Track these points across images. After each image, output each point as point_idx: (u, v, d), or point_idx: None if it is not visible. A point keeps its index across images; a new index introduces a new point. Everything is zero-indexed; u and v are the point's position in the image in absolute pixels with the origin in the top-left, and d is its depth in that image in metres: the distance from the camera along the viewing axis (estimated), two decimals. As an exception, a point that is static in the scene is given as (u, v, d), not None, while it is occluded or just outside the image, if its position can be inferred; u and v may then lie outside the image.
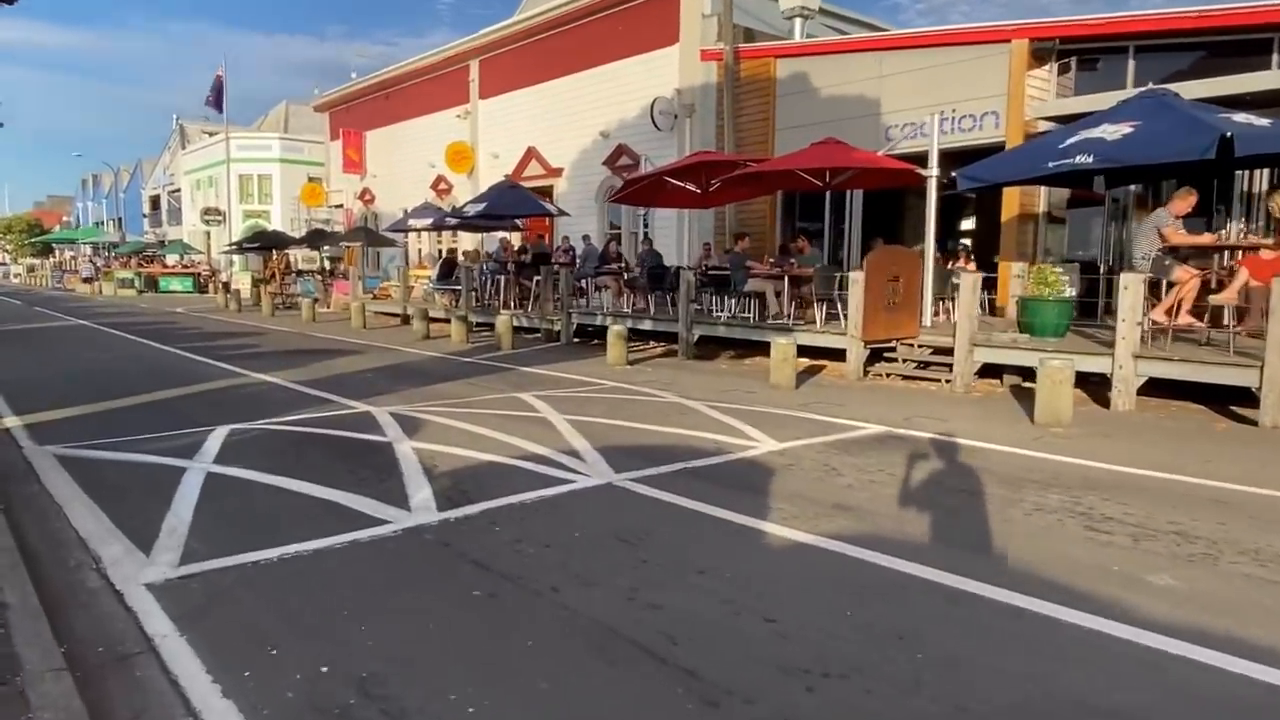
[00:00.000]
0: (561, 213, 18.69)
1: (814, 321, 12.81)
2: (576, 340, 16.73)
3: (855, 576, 4.18)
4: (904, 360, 11.63)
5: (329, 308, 27.69)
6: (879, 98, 16.16)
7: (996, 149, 13.97)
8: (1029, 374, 10.54)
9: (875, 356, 11.77)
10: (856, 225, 17.08)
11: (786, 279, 13.03)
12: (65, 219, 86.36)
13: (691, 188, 15.78)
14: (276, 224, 43.95)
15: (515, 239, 22.68)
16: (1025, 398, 9.91)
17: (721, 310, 14.46)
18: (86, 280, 49.70)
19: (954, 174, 10.85)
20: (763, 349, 13.57)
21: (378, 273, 31.62)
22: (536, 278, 18.71)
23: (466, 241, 27.47)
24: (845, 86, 16.76)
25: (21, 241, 78.43)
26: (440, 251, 29.87)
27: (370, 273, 32.25)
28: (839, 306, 12.58)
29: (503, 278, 19.11)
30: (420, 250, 30.69)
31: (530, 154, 24.75)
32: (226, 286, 37.02)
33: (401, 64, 30.45)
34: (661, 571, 4.22)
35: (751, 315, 13.56)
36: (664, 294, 15.54)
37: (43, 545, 4.70)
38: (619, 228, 22.08)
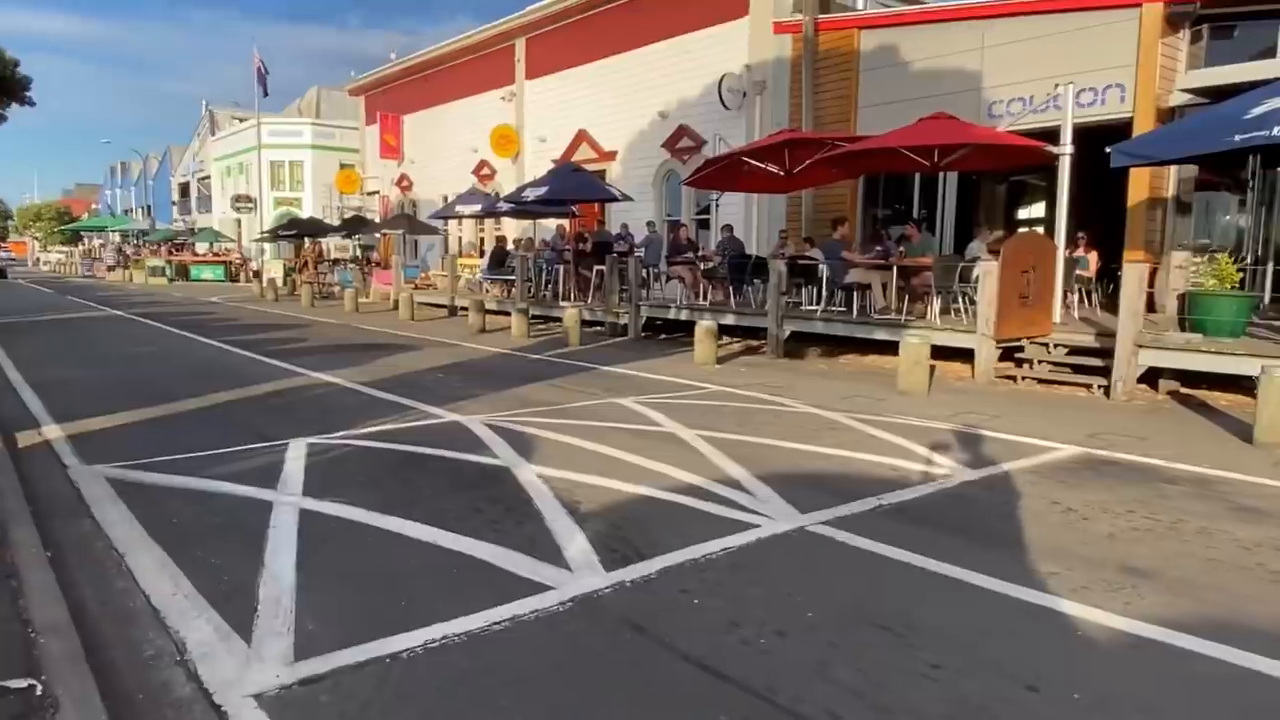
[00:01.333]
0: (626, 197, 17.44)
1: (924, 316, 11.54)
2: (645, 335, 15.54)
3: (1268, 697, 2.94)
4: (1039, 361, 10.32)
5: (368, 298, 26.69)
6: (980, 71, 14.75)
7: (1121, 126, 12.62)
8: (1190, 379, 9.29)
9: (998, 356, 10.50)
10: (950, 211, 15.71)
11: (895, 269, 11.74)
12: (94, 207, 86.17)
13: (773, 169, 14.50)
14: (308, 211, 43.06)
15: (567, 226, 21.48)
16: (1199, 408, 8.64)
17: (813, 303, 13.20)
18: (110, 268, 49.27)
19: (1109, 150, 9.50)
20: (858, 346, 12.37)
21: (415, 262, 30.60)
22: (598, 267, 17.54)
23: (512, 229, 26.33)
24: (939, 60, 15.36)
25: (51, 229, 78.31)
26: (482, 239, 28.78)
27: (408, 262, 31.24)
28: (960, 300, 11.30)
29: (561, 267, 17.93)
30: (460, 238, 29.57)
31: (581, 137, 23.50)
32: (260, 275, 36.30)
33: (442, 44, 29.20)
34: (973, 685, 3.00)
35: (851, 309, 12.29)
36: (744, 286, 14.30)
37: (105, 620, 3.57)
38: (675, 215, 20.80)
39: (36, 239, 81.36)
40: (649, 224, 18.94)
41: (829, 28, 16.88)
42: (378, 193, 35.20)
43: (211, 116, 55.33)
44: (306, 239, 33.33)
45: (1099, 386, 9.42)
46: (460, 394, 9.04)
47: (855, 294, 12.17)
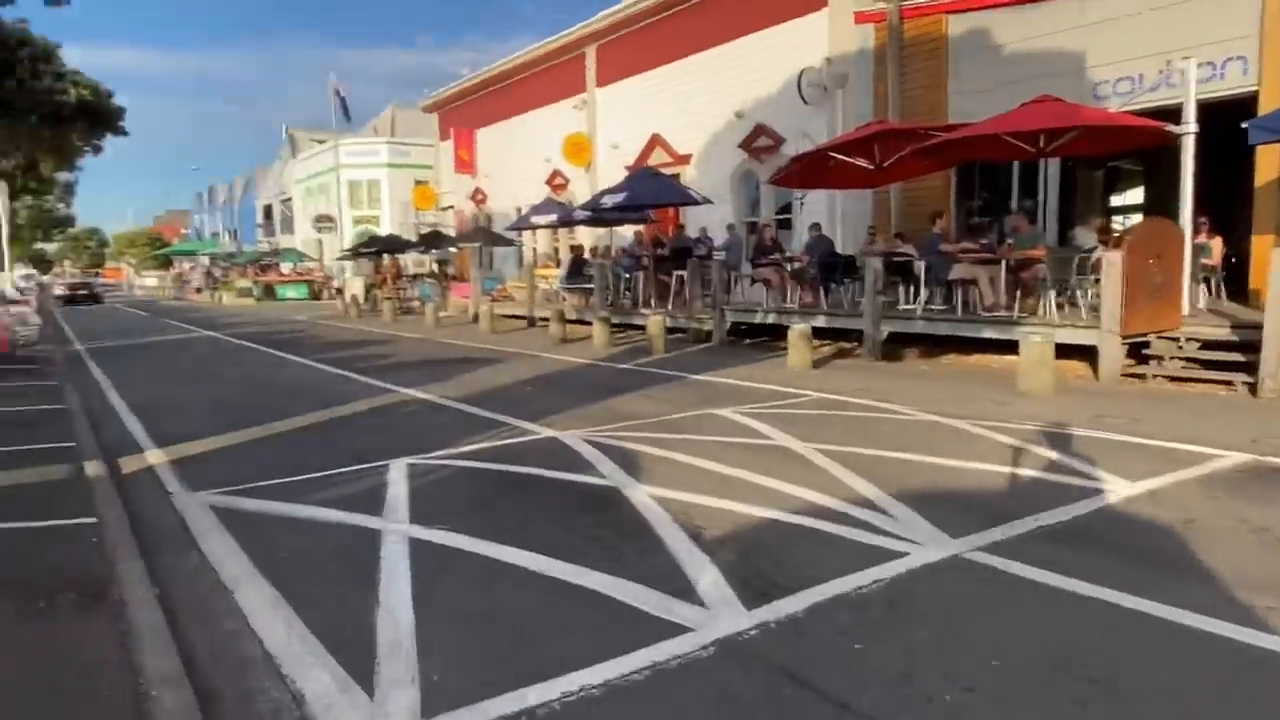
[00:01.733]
0: (705, 200, 17.03)
1: (1036, 312, 10.81)
2: (730, 340, 15.10)
3: None
4: (1169, 358, 9.52)
5: (447, 311, 26.90)
6: (1083, 50, 13.88)
7: (1244, 101, 11.69)
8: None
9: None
10: (1053, 200, 14.81)
11: (1004, 263, 11.04)
12: (183, 231, 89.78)
13: (862, 163, 13.92)
14: (386, 229, 43.88)
15: (644, 232, 21.20)
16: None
17: (909, 301, 12.57)
18: (198, 290, 51.38)
19: (1244, 125, 8.70)
20: (958, 345, 11.72)
21: (492, 274, 30.79)
22: (678, 272, 17.19)
23: (587, 238, 26.23)
24: (1036, 41, 14.53)
25: (144, 255, 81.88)
26: (558, 249, 28.75)
27: (485, 274, 31.45)
28: (1077, 294, 10.55)
29: (641, 274, 17.63)
30: (535, 249, 29.61)
31: (655, 141, 23.21)
32: (340, 292, 37.11)
33: (512, 57, 29.37)
34: (1223, 757, 2.51)
35: (954, 306, 11.64)
36: (835, 286, 13.74)
37: (217, 667, 3.33)
38: (753, 216, 20.28)
39: (131, 264, 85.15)
40: (729, 226, 18.50)
41: (914, 14, 16.17)
42: (452, 207, 35.60)
43: (292, 140, 56.99)
44: (385, 255, 33.91)
45: (1243, 384, 8.60)
46: (552, 408, 8.77)
47: (959, 290, 11.50)
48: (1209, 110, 11.15)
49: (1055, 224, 14.79)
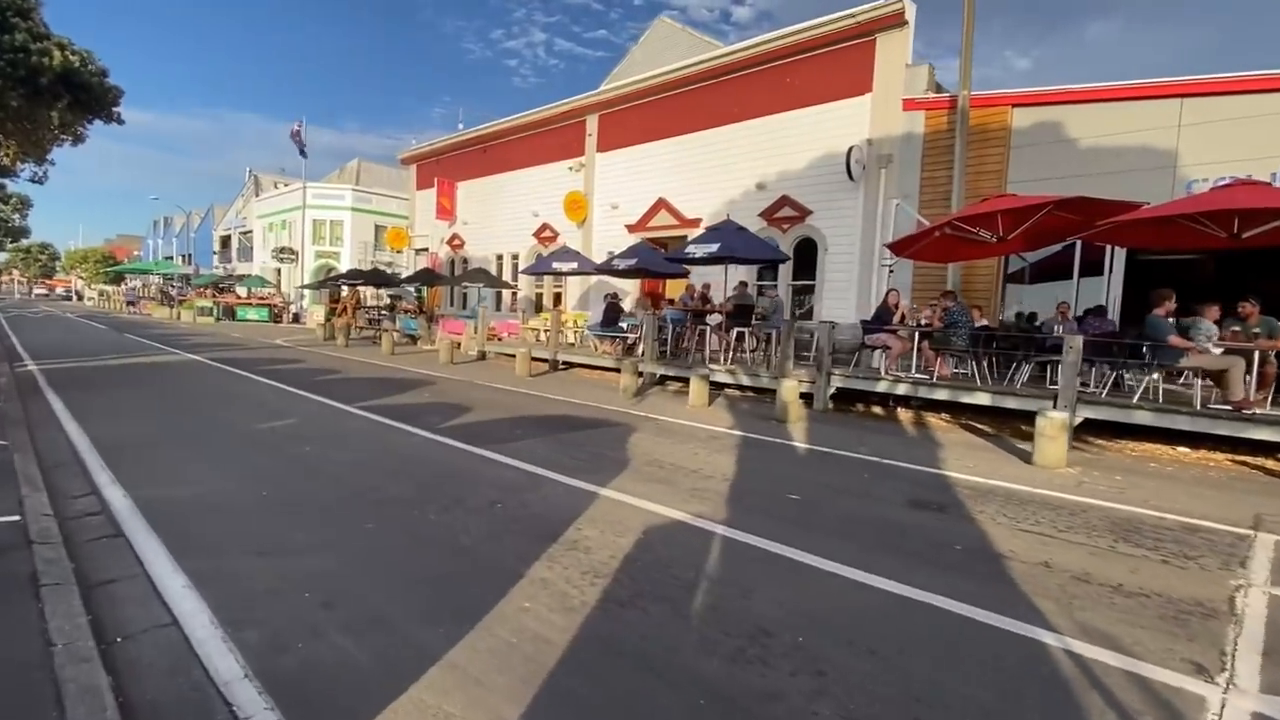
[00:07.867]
0: (786, 257, 12.54)
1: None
2: (833, 408, 10.58)
3: None
4: None
5: (432, 345, 20.61)
6: (1173, 148, 10.73)
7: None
8: None
9: None
10: (1116, 285, 11.53)
11: (1257, 355, 7.27)
12: (135, 254, 74.28)
13: (984, 234, 10.02)
14: (345, 265, 36.48)
15: (698, 286, 16.33)
16: None
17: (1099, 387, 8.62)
18: (130, 304, 42.92)
19: None
20: (1158, 436, 7.90)
21: (464, 312, 24.70)
22: (737, 329, 12.56)
23: (575, 287, 21.03)
24: (1116, 137, 11.29)
25: (96, 270, 66.66)
26: (539, 295, 23.18)
27: (457, 312, 25.30)
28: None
29: (705, 328, 12.79)
30: (515, 294, 23.85)
31: (660, 205, 18.46)
32: (299, 319, 29.18)
33: (506, 119, 23.72)
34: None
35: (1181, 397, 7.78)
36: (978, 360, 9.59)
37: None
38: (773, 280, 16.01)
39: (82, 278, 69.24)
40: (761, 289, 14.09)
41: (978, 105, 12.60)
42: (425, 250, 28.93)
43: (256, 180, 47.28)
44: (345, 287, 26.91)
45: None
46: (942, 559, 3.89)
47: (1199, 380, 7.62)
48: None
49: (1118, 312, 11.50)
